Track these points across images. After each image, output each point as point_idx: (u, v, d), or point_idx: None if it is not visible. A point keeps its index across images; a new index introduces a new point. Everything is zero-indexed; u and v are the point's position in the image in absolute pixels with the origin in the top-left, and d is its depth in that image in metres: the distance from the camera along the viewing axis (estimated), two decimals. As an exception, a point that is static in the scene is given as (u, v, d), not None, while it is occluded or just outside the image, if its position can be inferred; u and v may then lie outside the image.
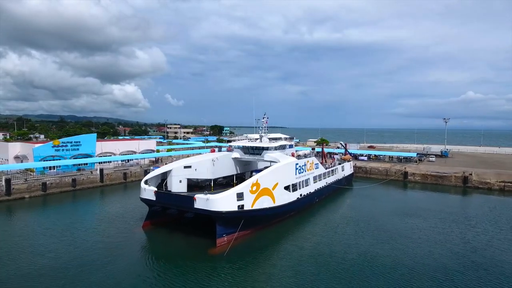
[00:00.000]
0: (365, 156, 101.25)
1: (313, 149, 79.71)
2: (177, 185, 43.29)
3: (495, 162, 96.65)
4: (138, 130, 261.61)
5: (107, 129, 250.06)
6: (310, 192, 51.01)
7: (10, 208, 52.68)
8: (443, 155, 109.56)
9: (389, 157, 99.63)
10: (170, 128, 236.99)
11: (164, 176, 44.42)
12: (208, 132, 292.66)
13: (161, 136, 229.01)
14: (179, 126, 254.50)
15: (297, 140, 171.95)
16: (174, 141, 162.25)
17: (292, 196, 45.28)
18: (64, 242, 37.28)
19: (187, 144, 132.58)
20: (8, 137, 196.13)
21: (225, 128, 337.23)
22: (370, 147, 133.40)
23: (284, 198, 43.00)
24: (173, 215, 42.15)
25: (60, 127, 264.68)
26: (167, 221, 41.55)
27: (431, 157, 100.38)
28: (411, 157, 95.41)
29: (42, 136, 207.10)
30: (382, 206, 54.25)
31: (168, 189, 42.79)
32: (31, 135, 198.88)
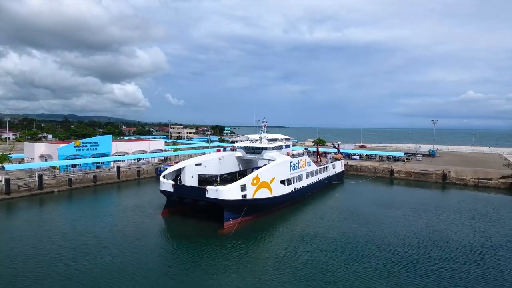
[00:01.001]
0: (357, 155, 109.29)
1: (305, 149, 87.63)
2: (190, 180, 51.32)
3: (478, 161, 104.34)
4: (142, 130, 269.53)
5: (112, 129, 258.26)
6: (303, 186, 59.03)
7: (43, 200, 60.69)
8: (430, 154, 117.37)
9: (379, 156, 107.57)
10: (174, 128, 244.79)
11: (178, 172, 52.46)
12: (209, 132, 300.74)
13: (165, 136, 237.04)
14: (182, 126, 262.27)
15: (296, 140, 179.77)
16: (179, 141, 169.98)
17: (287, 189, 53.30)
18: (98, 225, 45.34)
19: (191, 144, 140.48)
20: (18, 137, 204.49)
21: (226, 128, 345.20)
22: (362, 147, 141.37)
23: (280, 190, 51.00)
24: (188, 204, 50.11)
25: (66, 127, 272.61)
26: (183, 209, 49.55)
27: (418, 156, 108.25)
28: (399, 156, 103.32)
29: (50, 136, 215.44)
30: (366, 199, 62.30)
31: (182, 183, 50.79)
32: (40, 135, 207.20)
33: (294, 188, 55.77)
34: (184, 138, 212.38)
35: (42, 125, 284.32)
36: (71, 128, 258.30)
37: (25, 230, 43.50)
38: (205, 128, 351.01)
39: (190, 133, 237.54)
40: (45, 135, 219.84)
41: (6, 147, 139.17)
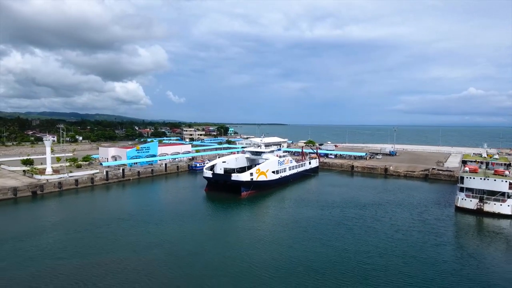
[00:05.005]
0: (333, 155, 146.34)
1: (288, 151, 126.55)
2: (219, 170, 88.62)
3: (422, 159, 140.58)
4: (157, 132, 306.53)
5: (132, 131, 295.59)
6: (287, 175, 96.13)
7: (125, 184, 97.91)
8: (390, 154, 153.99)
9: (349, 155, 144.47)
10: (186, 131, 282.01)
11: (212, 166, 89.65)
12: (215, 133, 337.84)
13: (179, 138, 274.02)
14: (193, 129, 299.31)
15: (290, 141, 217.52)
16: (194, 143, 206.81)
17: (277, 176, 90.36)
18: (168, 196, 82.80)
19: (207, 146, 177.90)
20: (55, 140, 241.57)
21: (230, 129, 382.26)
22: (335, 146, 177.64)
23: (272, 177, 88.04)
24: (220, 184, 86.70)
25: (91, 129, 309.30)
26: (217, 187, 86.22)
27: (378, 156, 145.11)
28: (362, 156, 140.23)
29: (80, 138, 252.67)
30: (326, 183, 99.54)
31: (216, 172, 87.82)
32: (76, 137, 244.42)
33: (281, 176, 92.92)
34: (196, 140, 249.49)
35: (69, 127, 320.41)
36: (95, 130, 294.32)
37: (128, 199, 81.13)
38: (211, 128, 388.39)
39: (201, 135, 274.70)
40: (77, 137, 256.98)
41: (65, 148, 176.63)
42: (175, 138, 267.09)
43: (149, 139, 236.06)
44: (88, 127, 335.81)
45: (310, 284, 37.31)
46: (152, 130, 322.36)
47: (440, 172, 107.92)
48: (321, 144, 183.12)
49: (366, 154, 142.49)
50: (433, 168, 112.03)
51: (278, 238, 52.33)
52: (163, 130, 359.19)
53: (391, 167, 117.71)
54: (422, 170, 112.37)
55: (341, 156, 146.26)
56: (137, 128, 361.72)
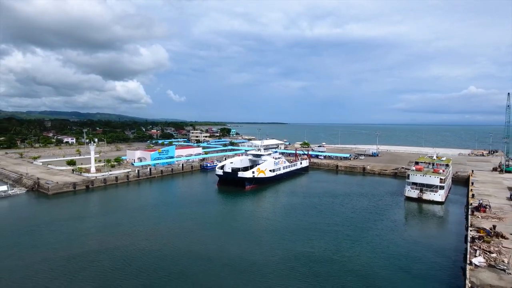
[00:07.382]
0: (323, 156, 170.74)
1: (282, 153, 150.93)
2: (228, 169, 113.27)
3: (399, 159, 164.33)
4: (166, 134, 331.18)
5: (142, 133, 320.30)
6: (281, 173, 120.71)
7: (152, 180, 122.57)
8: (373, 155, 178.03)
9: (336, 156, 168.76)
10: (193, 133, 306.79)
11: (222, 166, 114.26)
12: (218, 135, 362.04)
13: (185, 139, 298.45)
14: (198, 131, 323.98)
15: (288, 143, 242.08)
16: (201, 144, 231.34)
17: (273, 174, 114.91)
18: (190, 189, 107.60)
19: (214, 148, 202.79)
20: (74, 141, 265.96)
21: (232, 130, 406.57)
22: (321, 146, 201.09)
23: (269, 174, 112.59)
24: (229, 180, 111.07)
25: (103, 131, 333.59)
26: (226, 183, 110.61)
27: (361, 156, 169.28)
28: (347, 157, 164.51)
29: (96, 139, 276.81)
30: (312, 179, 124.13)
31: (225, 171, 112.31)
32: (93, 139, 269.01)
33: (276, 174, 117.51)
34: (202, 141, 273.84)
35: (73, 127, 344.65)
36: (107, 132, 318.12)
37: (158, 191, 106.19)
38: (213, 129, 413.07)
39: (206, 136, 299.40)
40: (94, 139, 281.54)
41: (97, 149, 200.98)
42: (182, 140, 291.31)
43: (159, 141, 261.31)
44: (98, 128, 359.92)
45: (287, 238, 61.94)
46: (160, 132, 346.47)
47: (407, 170, 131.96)
48: (320, 146, 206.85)
49: (350, 155, 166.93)
50: (402, 167, 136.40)
51: (270, 216, 77.15)
52: (168, 131, 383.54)
53: (368, 167, 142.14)
54: (393, 169, 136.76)
55: (329, 157, 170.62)
56: (143, 130, 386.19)
